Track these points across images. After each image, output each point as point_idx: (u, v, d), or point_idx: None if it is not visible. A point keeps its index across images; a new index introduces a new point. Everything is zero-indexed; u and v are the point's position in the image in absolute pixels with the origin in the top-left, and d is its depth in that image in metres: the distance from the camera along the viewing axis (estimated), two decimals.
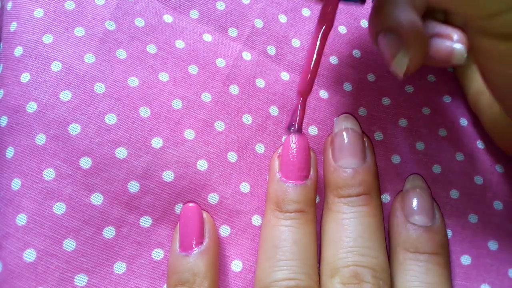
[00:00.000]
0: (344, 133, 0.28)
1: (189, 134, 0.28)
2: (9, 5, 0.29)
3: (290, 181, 0.27)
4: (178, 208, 0.28)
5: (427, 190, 0.29)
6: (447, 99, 0.32)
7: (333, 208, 0.27)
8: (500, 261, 0.29)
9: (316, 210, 0.28)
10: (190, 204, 0.27)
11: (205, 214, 0.27)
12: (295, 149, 0.27)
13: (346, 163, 0.28)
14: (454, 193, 0.30)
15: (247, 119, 0.30)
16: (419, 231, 0.27)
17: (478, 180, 0.31)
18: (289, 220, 0.27)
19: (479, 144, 0.31)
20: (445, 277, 0.26)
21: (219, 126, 0.29)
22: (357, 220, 0.27)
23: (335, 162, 0.28)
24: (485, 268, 0.29)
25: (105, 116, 0.27)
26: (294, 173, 0.27)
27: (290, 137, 0.28)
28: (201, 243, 0.26)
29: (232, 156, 0.29)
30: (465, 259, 0.29)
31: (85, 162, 0.27)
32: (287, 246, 0.26)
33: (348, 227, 0.26)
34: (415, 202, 0.28)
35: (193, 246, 0.26)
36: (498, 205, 0.30)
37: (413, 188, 0.29)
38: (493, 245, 0.29)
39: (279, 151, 0.28)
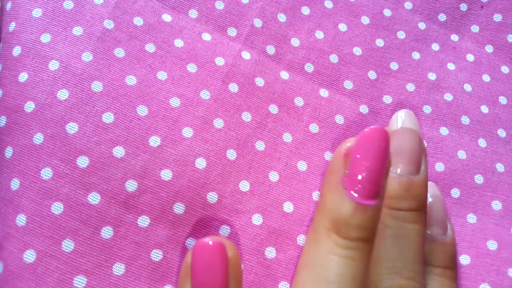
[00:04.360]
0: (405, 134, 0.25)
1: (187, 132, 0.28)
2: (8, 6, 0.29)
3: (358, 199, 0.22)
4: (176, 207, 0.27)
5: (442, 199, 0.27)
6: (448, 97, 0.32)
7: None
8: (499, 261, 0.29)
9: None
10: (210, 242, 0.21)
11: (230, 252, 0.21)
12: (374, 153, 0.22)
13: (402, 170, 0.24)
14: (455, 192, 0.30)
15: (247, 116, 0.29)
16: (433, 244, 0.25)
17: (478, 179, 0.30)
18: (349, 250, 0.22)
19: (481, 143, 0.31)
20: None
21: (218, 123, 0.29)
22: (405, 239, 0.24)
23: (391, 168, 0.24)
24: (484, 267, 0.29)
25: (103, 115, 0.27)
26: (367, 189, 0.21)
27: (370, 133, 0.22)
28: None
29: (231, 154, 0.29)
30: (464, 259, 0.29)
31: (82, 161, 0.27)
32: (343, 281, 0.21)
33: (395, 245, 0.24)
34: (430, 213, 0.26)
35: None
36: (497, 205, 0.30)
37: (430, 196, 0.27)
38: (492, 245, 0.29)
39: (348, 145, 0.23)
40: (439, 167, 0.30)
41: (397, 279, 0.23)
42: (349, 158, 0.22)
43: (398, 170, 0.24)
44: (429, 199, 0.27)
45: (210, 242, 0.21)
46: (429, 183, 0.28)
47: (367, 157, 0.22)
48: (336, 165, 0.23)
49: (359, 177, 0.21)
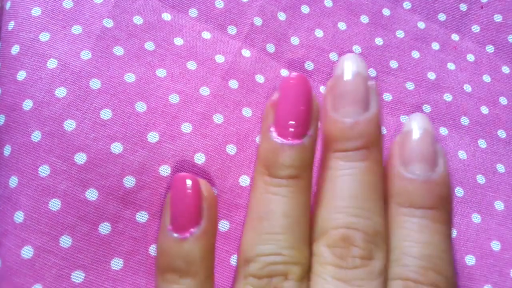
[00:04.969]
0: (345, 76, 0.24)
1: (186, 128, 0.28)
2: (8, 5, 0.29)
3: (284, 139, 0.23)
4: None
5: (430, 132, 0.24)
6: (448, 97, 0.32)
7: (327, 165, 0.24)
8: (502, 262, 0.29)
9: (312, 174, 0.24)
10: (186, 178, 0.24)
11: (204, 186, 0.23)
12: (293, 96, 0.23)
13: (345, 112, 0.23)
14: (459, 191, 0.30)
15: (247, 112, 0.29)
16: (416, 183, 0.23)
17: (480, 179, 0.30)
18: (280, 188, 0.23)
19: (481, 143, 0.31)
20: (443, 235, 0.23)
21: (218, 118, 0.29)
22: (352, 178, 0.23)
23: (334, 112, 0.23)
24: (488, 268, 0.29)
25: (100, 112, 0.27)
26: (291, 130, 0.23)
27: (287, 79, 0.23)
28: (198, 224, 0.23)
29: (231, 149, 0.29)
30: (470, 259, 0.29)
31: (80, 158, 0.26)
32: (275, 218, 0.22)
33: (342, 185, 0.23)
34: (414, 147, 0.23)
35: (187, 227, 0.22)
36: (499, 205, 0.30)
37: (414, 129, 0.24)
38: (495, 246, 0.29)
39: (275, 97, 0.24)
40: None
41: (344, 217, 0.22)
42: (274, 108, 0.24)
43: (342, 113, 0.23)
44: (414, 132, 0.24)
45: (187, 178, 0.23)
46: (419, 114, 0.25)
47: (286, 101, 0.23)
48: (266, 114, 0.24)
49: (282, 119, 0.23)
